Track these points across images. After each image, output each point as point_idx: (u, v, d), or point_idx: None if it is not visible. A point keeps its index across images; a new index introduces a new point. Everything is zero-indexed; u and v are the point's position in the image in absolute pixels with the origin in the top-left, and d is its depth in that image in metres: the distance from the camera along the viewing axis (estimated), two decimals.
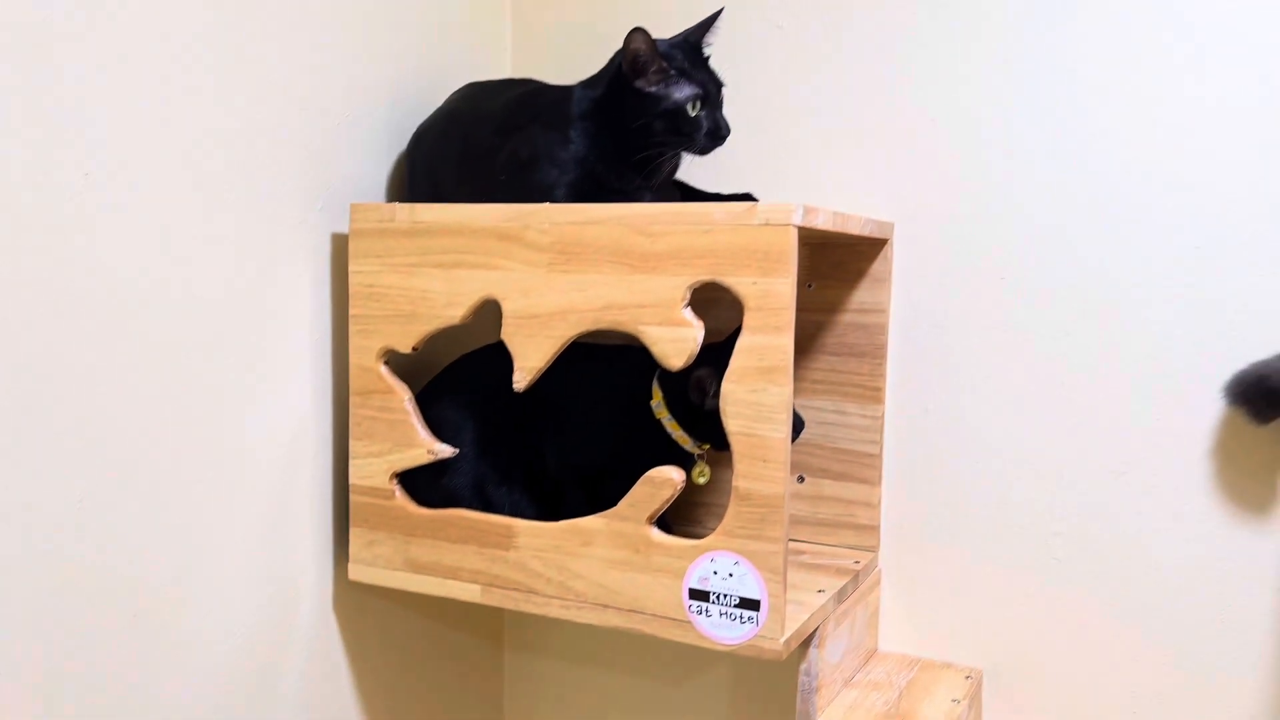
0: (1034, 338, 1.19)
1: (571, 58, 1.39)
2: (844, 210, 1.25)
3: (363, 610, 1.25)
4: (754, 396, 0.96)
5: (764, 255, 0.94)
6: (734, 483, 0.97)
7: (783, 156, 1.31)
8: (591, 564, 1.04)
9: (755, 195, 1.14)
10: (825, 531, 1.29)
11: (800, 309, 1.27)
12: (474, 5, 1.39)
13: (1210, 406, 1.11)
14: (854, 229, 1.11)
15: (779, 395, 0.95)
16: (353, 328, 1.14)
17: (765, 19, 1.31)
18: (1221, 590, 1.13)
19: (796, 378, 1.29)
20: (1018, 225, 1.19)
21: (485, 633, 1.50)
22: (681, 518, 1.32)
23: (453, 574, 1.11)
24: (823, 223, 1.00)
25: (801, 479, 1.30)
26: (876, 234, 1.20)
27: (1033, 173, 1.18)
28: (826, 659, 1.09)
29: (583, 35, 1.42)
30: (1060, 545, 1.20)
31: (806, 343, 1.28)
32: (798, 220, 0.94)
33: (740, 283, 0.95)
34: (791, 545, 1.28)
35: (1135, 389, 1.15)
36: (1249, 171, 1.09)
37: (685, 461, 1.11)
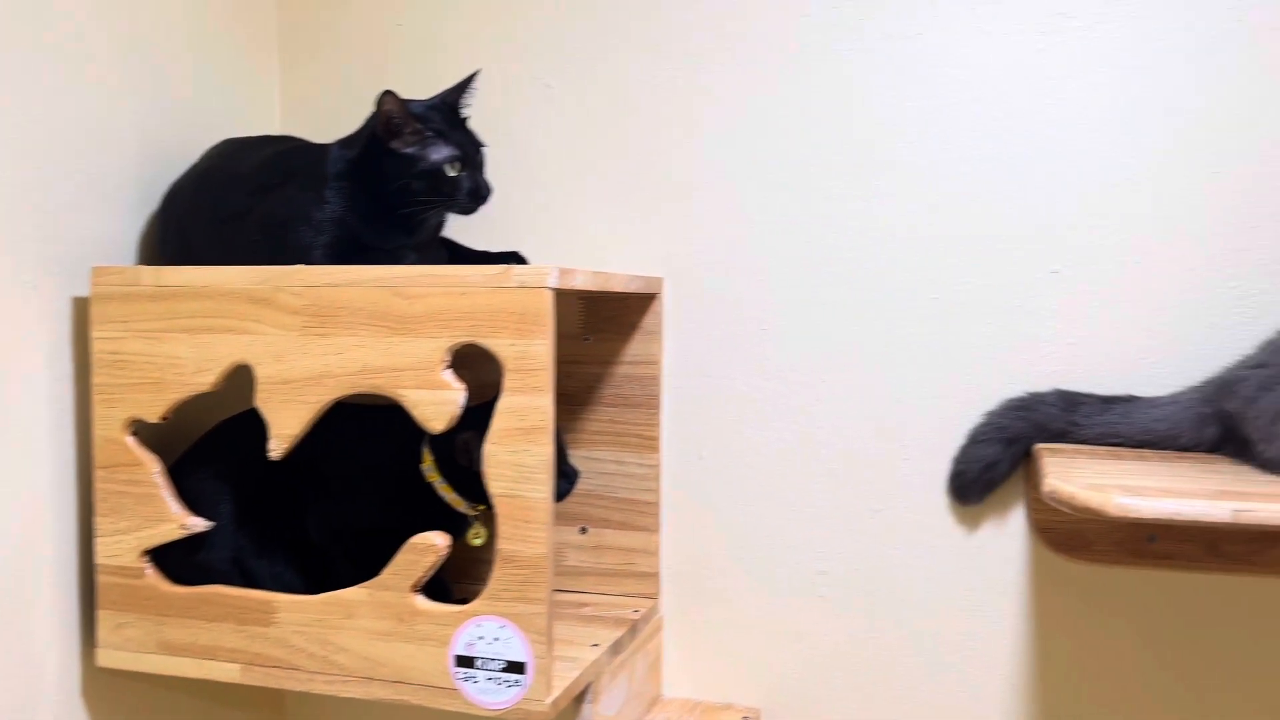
0: (793, 385, 1.25)
1: (345, 115, 1.36)
2: (614, 266, 1.28)
3: (117, 698, 1.17)
4: (515, 457, 0.96)
5: (520, 317, 0.95)
6: (498, 545, 0.97)
7: (557, 214, 1.32)
8: (355, 636, 1.01)
9: (523, 255, 1.15)
10: (608, 581, 1.30)
11: (578, 362, 1.29)
12: (241, 59, 1.35)
13: (950, 445, 1.19)
14: (618, 287, 1.13)
15: (540, 456, 0.95)
16: (96, 397, 1.07)
17: (534, 78, 1.32)
18: (971, 617, 1.21)
19: (576, 429, 1.30)
20: (775, 279, 1.25)
21: (264, 705, 1.43)
22: (466, 576, 1.30)
23: (210, 654, 1.05)
24: (582, 283, 1.02)
25: (584, 530, 1.31)
26: (644, 289, 1.23)
27: (788, 229, 1.24)
28: (602, 713, 1.10)
29: (357, 92, 1.39)
30: (825, 583, 1.25)
31: (585, 395, 1.30)
32: (553, 282, 0.95)
33: (499, 344, 0.96)
34: (574, 598, 1.28)
35: (884, 431, 1.22)
36: (978, 228, 1.18)
37: (461, 524, 1.10)
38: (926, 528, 1.22)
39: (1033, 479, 1.15)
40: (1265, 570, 1.09)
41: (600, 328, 1.29)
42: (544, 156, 1.33)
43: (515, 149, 1.32)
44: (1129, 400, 1.08)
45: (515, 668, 0.97)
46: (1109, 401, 1.08)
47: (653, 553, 1.29)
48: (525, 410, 0.95)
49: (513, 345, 0.95)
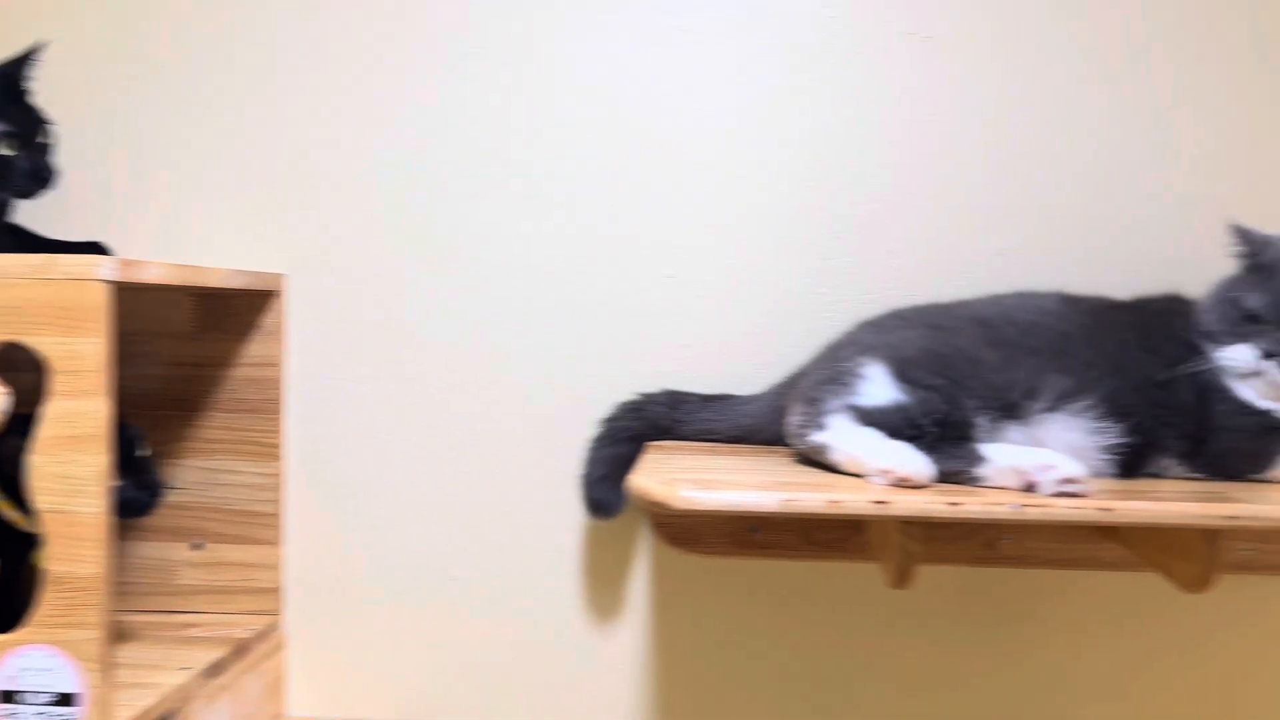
0: (424, 387, 1.22)
1: None
2: (237, 262, 1.19)
3: None
4: (63, 469, 0.87)
5: (67, 312, 0.86)
6: (48, 567, 0.87)
7: (170, 207, 1.23)
8: None
9: (106, 245, 1.05)
10: (225, 599, 1.22)
11: (190, 364, 1.21)
12: None
13: (578, 444, 1.19)
14: (215, 282, 1.06)
15: (92, 466, 0.87)
16: None
17: (148, 59, 1.22)
18: (601, 615, 1.23)
19: (188, 437, 1.21)
20: (403, 279, 1.21)
21: None
22: None
23: None
24: (157, 276, 0.94)
25: (198, 545, 1.21)
26: (257, 286, 1.16)
27: (416, 229, 1.21)
28: None
29: None
30: (458, 589, 1.23)
31: (199, 399, 1.21)
32: (108, 274, 0.87)
33: (43, 343, 0.86)
34: (182, 618, 1.19)
35: (513, 432, 1.21)
36: (601, 232, 1.20)
37: (28, 544, 0.99)
38: (557, 528, 1.22)
39: None
40: (854, 556, 1.17)
41: (215, 325, 1.21)
42: (160, 145, 1.23)
43: (127, 136, 1.22)
44: (725, 398, 1.13)
45: (67, 700, 0.87)
46: (708, 400, 1.13)
47: (273, 566, 1.22)
48: (74, 416, 0.86)
49: (60, 344, 0.86)
